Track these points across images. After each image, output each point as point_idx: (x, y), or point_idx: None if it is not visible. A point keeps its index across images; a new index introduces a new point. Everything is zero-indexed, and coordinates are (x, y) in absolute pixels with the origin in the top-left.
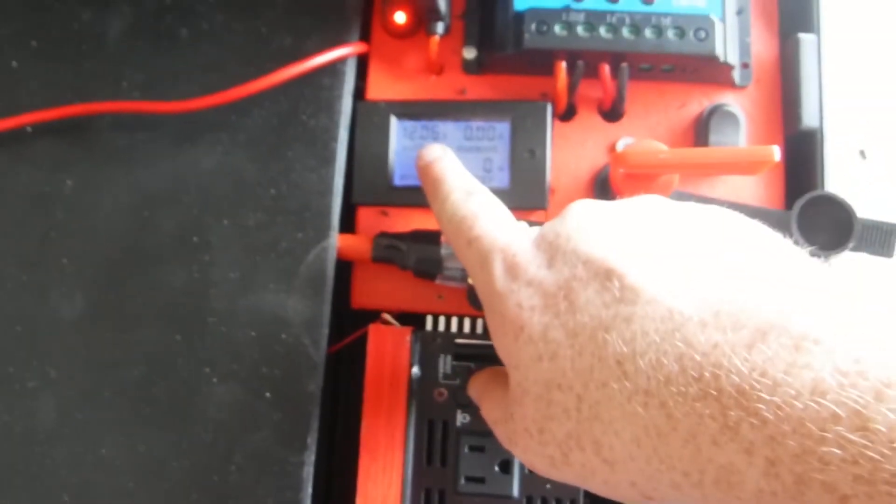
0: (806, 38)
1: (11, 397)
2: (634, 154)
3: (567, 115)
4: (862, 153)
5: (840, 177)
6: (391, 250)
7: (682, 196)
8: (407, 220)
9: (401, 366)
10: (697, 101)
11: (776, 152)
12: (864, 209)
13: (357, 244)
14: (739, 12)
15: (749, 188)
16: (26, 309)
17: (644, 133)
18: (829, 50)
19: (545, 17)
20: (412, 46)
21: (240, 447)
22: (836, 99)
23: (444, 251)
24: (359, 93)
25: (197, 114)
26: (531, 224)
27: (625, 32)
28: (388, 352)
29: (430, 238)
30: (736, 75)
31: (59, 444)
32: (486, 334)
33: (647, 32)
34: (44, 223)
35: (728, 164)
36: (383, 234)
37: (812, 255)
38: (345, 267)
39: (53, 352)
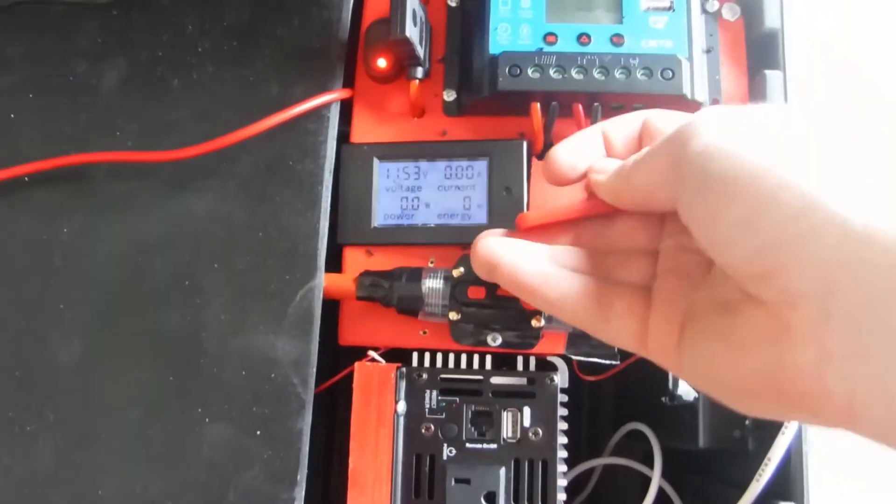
0: (772, 75)
1: (10, 441)
2: (532, 217)
3: (544, 153)
4: None
5: None
6: (374, 288)
7: None
8: (391, 259)
9: (387, 402)
10: None
11: None
12: None
13: (342, 283)
14: (708, 51)
15: None
16: (25, 354)
17: None
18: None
19: (518, 60)
20: (395, 91)
21: (233, 485)
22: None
23: (424, 288)
24: (344, 136)
25: (188, 161)
26: None
27: (595, 74)
28: (375, 388)
29: (412, 275)
30: None
31: (57, 487)
32: (469, 368)
33: (617, 73)
34: (41, 270)
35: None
36: (366, 273)
37: None
38: (336, 305)
39: (52, 395)
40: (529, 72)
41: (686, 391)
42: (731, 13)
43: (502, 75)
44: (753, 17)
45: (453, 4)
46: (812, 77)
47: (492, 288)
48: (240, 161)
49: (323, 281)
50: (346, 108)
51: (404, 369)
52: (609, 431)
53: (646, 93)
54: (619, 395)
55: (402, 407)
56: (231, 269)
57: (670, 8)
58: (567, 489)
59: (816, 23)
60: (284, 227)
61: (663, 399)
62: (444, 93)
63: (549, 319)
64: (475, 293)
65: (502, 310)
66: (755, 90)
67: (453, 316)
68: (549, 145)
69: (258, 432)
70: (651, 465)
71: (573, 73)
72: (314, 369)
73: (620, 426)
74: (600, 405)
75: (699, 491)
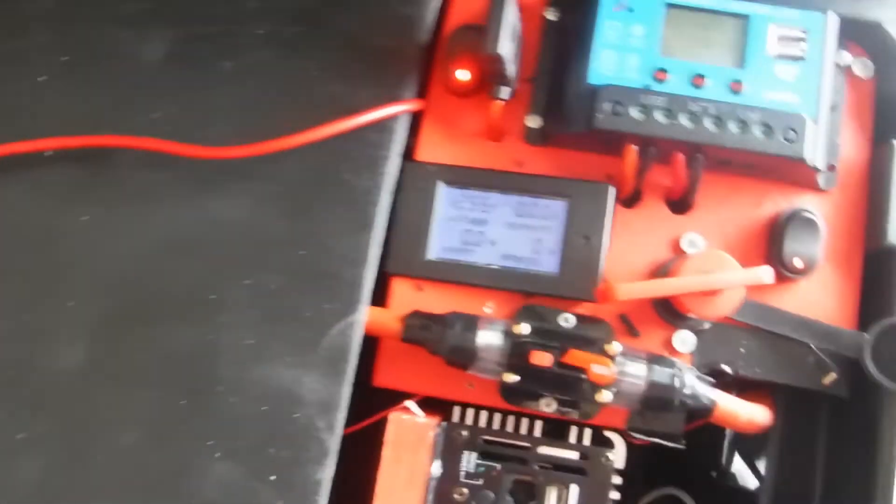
0: None
1: None
2: (623, 290)
3: (631, 200)
4: None
5: None
6: (424, 332)
7: (753, 307)
8: (444, 298)
9: (421, 462)
10: (774, 202)
11: (768, 275)
12: None
13: (387, 321)
14: (833, 108)
15: (820, 302)
16: (21, 353)
17: (712, 229)
18: None
19: (622, 96)
20: (472, 107)
21: None
22: None
23: (480, 341)
24: (406, 150)
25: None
26: (577, 316)
27: (706, 123)
28: (409, 446)
29: (467, 324)
30: (820, 178)
31: None
32: (516, 433)
33: (732, 126)
34: (53, 259)
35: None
36: (416, 314)
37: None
38: (370, 339)
39: (45, 403)
40: (633, 112)
41: (741, 472)
42: (863, 70)
43: (602, 111)
44: (887, 75)
45: (552, 18)
46: None
47: (558, 355)
48: (285, 166)
49: (365, 315)
50: (413, 119)
51: (445, 426)
52: (638, 490)
53: (761, 152)
54: (651, 455)
55: (436, 469)
56: (261, 288)
57: (801, 57)
58: None
59: None
60: (329, 248)
61: (712, 473)
62: (528, 118)
63: (617, 395)
64: (539, 359)
65: (567, 380)
66: (878, 159)
67: (508, 378)
68: (637, 192)
69: (272, 477)
70: None
71: (682, 119)
72: (344, 414)
73: (651, 487)
74: (630, 462)
75: None
